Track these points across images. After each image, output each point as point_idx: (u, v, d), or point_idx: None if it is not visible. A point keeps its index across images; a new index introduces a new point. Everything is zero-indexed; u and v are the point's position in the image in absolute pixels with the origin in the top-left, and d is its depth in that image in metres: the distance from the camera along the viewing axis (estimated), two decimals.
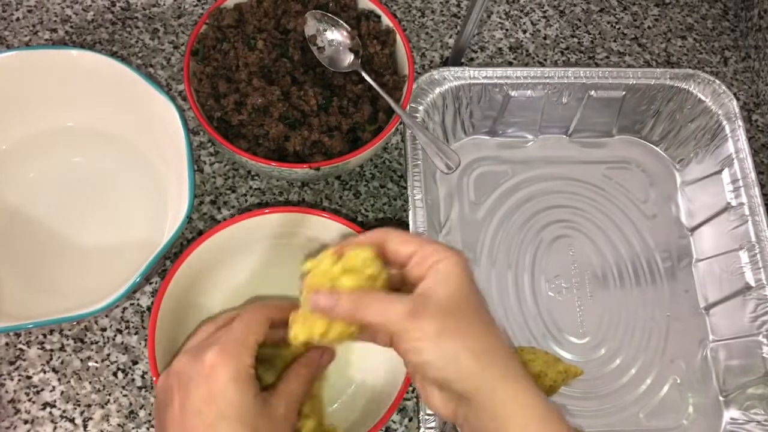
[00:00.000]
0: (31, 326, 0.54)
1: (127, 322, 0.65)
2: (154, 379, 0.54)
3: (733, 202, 0.70)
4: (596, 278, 0.72)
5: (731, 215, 0.70)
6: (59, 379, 0.63)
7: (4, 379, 0.62)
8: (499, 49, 0.83)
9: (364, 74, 0.66)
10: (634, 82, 0.73)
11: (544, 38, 0.84)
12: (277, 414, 0.46)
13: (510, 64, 0.82)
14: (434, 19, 0.84)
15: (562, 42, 0.84)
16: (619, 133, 0.78)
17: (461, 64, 0.79)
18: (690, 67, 0.85)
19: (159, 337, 0.56)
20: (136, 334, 0.65)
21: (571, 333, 0.69)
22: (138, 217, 0.67)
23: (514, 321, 0.69)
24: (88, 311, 0.54)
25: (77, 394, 0.63)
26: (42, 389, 0.62)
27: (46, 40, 0.76)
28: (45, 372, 0.63)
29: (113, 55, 0.74)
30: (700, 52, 0.86)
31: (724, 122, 0.72)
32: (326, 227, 0.62)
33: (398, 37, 0.69)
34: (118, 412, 0.62)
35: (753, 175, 0.70)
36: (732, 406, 0.67)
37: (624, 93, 0.73)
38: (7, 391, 0.62)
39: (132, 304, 0.66)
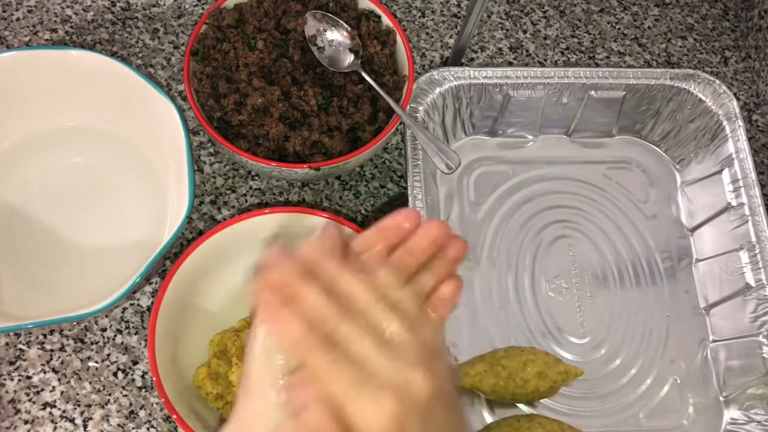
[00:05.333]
0: (31, 326, 0.54)
1: (127, 322, 0.65)
2: (155, 379, 0.54)
3: (733, 202, 0.70)
4: (596, 278, 0.72)
5: (731, 215, 0.70)
6: (59, 379, 0.63)
7: (4, 379, 0.62)
8: (499, 49, 0.83)
9: (364, 74, 0.66)
10: (634, 82, 0.73)
11: (544, 38, 0.84)
12: None
13: (510, 64, 0.82)
14: (434, 19, 0.84)
15: (562, 42, 0.84)
16: (619, 133, 0.78)
17: (461, 64, 0.79)
18: (690, 67, 0.85)
19: (159, 337, 0.56)
20: (136, 334, 0.65)
21: (571, 333, 0.69)
22: (138, 217, 0.67)
23: (514, 321, 0.69)
24: (88, 311, 0.54)
25: (77, 394, 0.63)
26: (42, 389, 0.62)
27: (46, 40, 0.76)
28: (45, 372, 0.63)
29: (113, 55, 0.74)
30: (701, 52, 0.86)
31: (724, 122, 0.72)
32: None
33: (398, 37, 0.69)
34: (118, 412, 0.62)
35: (753, 175, 0.70)
36: (732, 406, 0.67)
37: (624, 93, 0.73)
38: (7, 391, 0.62)
39: (132, 304, 0.66)
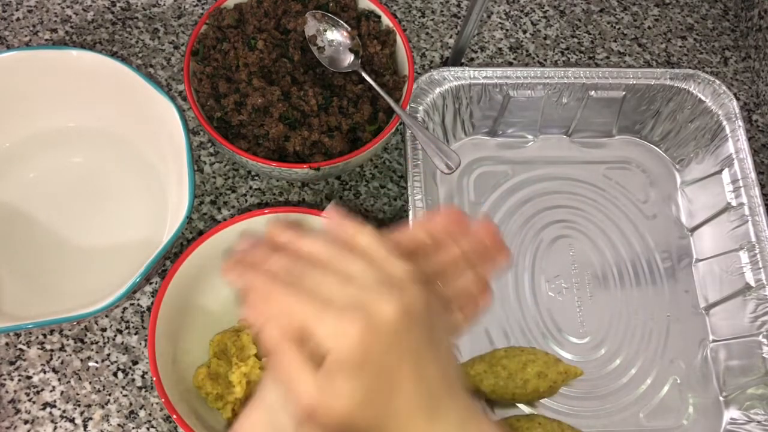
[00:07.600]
0: (31, 326, 0.54)
1: (127, 322, 0.65)
2: (155, 379, 0.54)
3: (733, 203, 0.70)
4: (596, 278, 0.72)
5: (731, 215, 0.70)
6: (59, 379, 0.63)
7: (4, 379, 0.62)
8: (499, 49, 0.83)
9: (364, 74, 0.66)
10: (634, 82, 0.73)
11: (544, 38, 0.84)
12: None
13: (510, 64, 0.82)
14: (434, 19, 0.84)
15: (562, 42, 0.84)
16: (619, 133, 0.78)
17: (461, 64, 0.79)
18: (690, 67, 0.85)
19: (159, 337, 0.56)
20: (136, 334, 0.65)
21: (571, 333, 0.69)
22: (138, 217, 0.67)
23: (514, 321, 0.69)
24: (88, 311, 0.54)
25: (77, 394, 0.63)
26: (42, 389, 0.62)
27: (46, 40, 0.76)
28: (45, 372, 0.63)
29: (113, 55, 0.74)
30: (700, 52, 0.86)
31: (724, 122, 0.72)
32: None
33: (398, 37, 0.69)
34: (118, 412, 0.62)
35: (753, 175, 0.70)
36: (732, 406, 0.67)
37: (624, 93, 0.73)
38: (7, 391, 0.62)
39: (132, 304, 0.66)
